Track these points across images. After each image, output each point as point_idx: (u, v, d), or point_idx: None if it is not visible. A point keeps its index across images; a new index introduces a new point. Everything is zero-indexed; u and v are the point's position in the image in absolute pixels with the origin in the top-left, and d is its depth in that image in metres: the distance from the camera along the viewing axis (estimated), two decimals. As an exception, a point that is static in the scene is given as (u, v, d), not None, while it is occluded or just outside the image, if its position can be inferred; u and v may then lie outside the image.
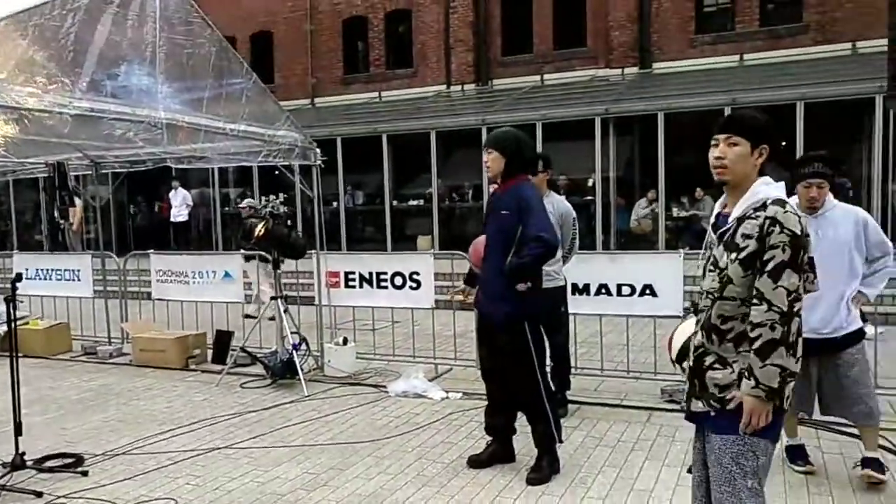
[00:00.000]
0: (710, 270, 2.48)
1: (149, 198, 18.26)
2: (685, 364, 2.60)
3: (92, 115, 5.22)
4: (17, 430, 4.35)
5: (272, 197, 6.78)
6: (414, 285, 6.68)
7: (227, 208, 16.70)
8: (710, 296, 2.46)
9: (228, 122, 6.20)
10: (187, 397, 6.16)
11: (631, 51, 15.78)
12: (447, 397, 5.75)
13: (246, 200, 11.83)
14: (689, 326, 2.64)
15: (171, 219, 15.81)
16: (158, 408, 5.86)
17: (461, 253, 6.80)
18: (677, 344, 2.68)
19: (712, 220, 2.57)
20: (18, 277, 4.59)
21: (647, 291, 5.77)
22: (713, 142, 2.47)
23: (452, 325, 6.69)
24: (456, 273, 7.13)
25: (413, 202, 15.58)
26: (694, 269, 5.20)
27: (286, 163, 7.17)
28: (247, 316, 8.09)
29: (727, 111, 11.36)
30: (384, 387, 6.07)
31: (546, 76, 16.25)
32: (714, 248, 2.48)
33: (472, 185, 15.04)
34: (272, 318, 6.98)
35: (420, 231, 14.98)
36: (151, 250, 8.17)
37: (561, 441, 4.24)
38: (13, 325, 4.43)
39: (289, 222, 6.65)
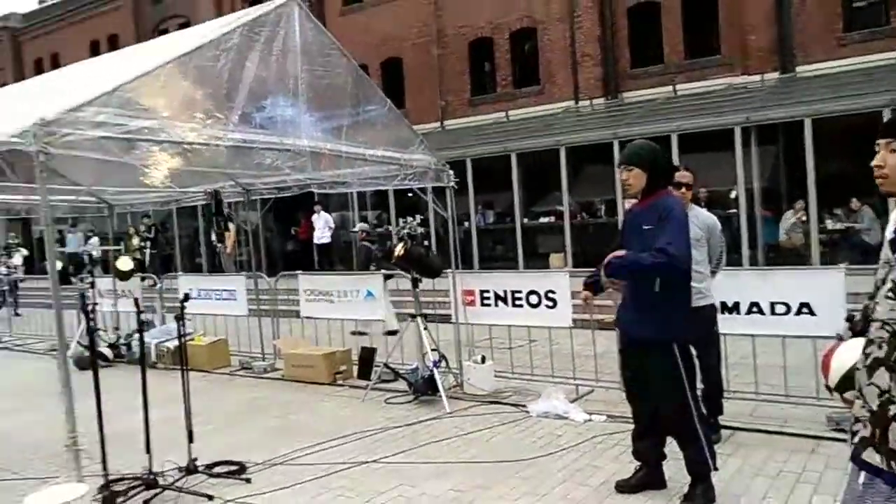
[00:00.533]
0: (890, 297, 2.07)
1: (291, 222, 19.36)
2: (850, 395, 2.19)
3: (244, 146, 5.61)
4: (190, 438, 4.72)
5: (409, 219, 7.01)
6: (550, 304, 6.63)
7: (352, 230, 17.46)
8: (887, 327, 2.05)
9: (367, 148, 6.47)
10: (336, 411, 6.43)
11: (770, 55, 14.96)
12: (590, 419, 5.64)
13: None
14: (853, 350, 2.21)
15: (315, 241, 16.65)
16: (310, 421, 6.16)
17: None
18: (839, 369, 2.26)
19: (889, 234, 2.17)
20: (186, 297, 5.00)
21: (804, 310, 5.39)
22: (875, 148, 2.18)
23: (592, 345, 6.57)
24: (595, 292, 7.02)
25: (544, 219, 15.52)
26: (855, 285, 4.80)
27: (421, 185, 7.38)
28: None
29: (886, 114, 10.50)
30: (524, 406, 6.06)
31: (678, 86, 15.73)
32: (894, 270, 2.08)
33: (605, 201, 14.78)
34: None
35: (552, 248, 14.88)
36: (300, 271, 8.65)
37: (716, 468, 4.03)
38: (182, 340, 4.81)
39: (425, 242, 6.82)
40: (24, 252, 18.38)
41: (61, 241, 21.37)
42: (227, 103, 5.15)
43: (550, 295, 6.60)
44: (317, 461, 5.02)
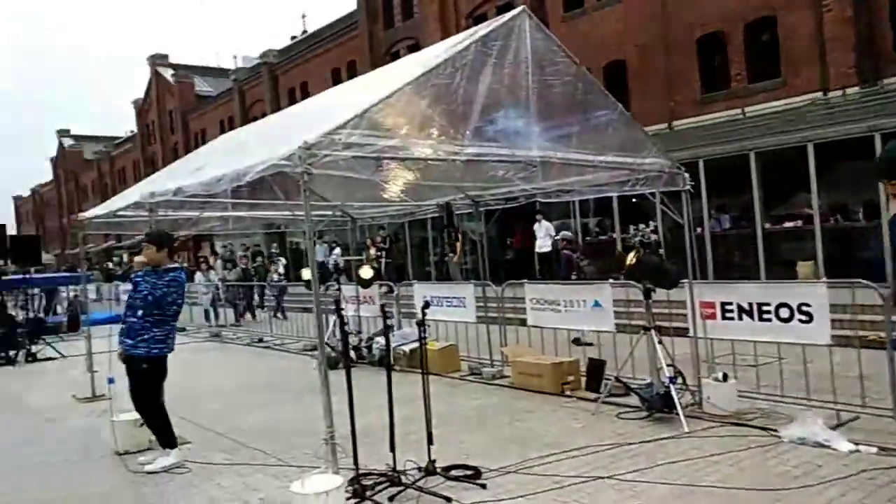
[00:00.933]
0: None
1: (508, 231, 19.68)
2: None
3: (477, 160, 5.76)
4: (430, 440, 4.93)
5: (641, 225, 6.73)
6: (804, 318, 5.96)
7: (587, 238, 17.20)
8: None
9: (597, 155, 6.33)
10: (566, 423, 6.36)
11: None
12: (857, 450, 4.98)
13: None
14: None
15: (536, 249, 16.75)
16: (540, 430, 6.15)
17: (864, 281, 5.92)
18: None
19: None
20: (427, 304, 5.24)
21: None
22: None
23: (857, 366, 5.81)
24: (858, 304, 6.21)
25: (789, 224, 14.15)
26: None
27: (652, 190, 7.07)
28: (581, 342, 8.38)
29: None
30: (775, 430, 5.51)
31: (958, 66, 13.52)
32: None
33: (864, 202, 13.10)
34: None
35: (799, 255, 13.50)
36: (525, 280, 8.73)
37: None
38: (423, 345, 5.04)
39: (660, 251, 6.51)
40: (284, 261, 20.73)
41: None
42: (461, 119, 5.34)
43: (805, 308, 5.94)
44: (550, 472, 4.99)
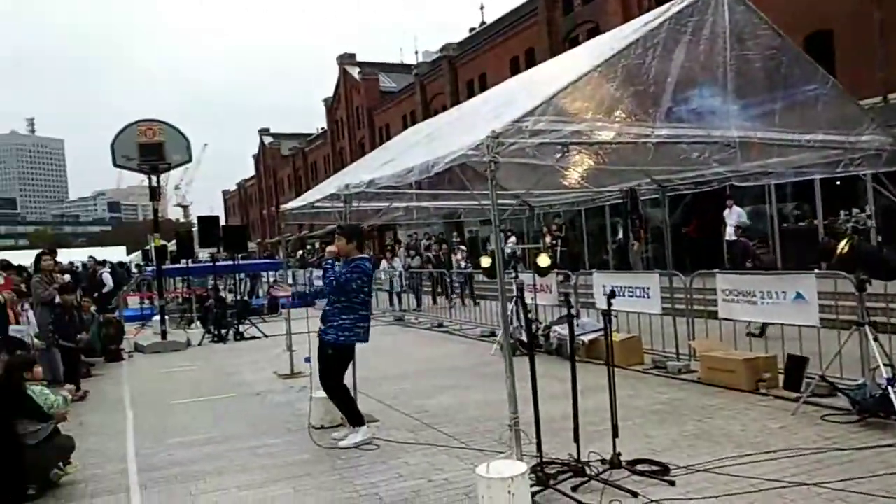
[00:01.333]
0: None
1: (690, 219, 18.62)
2: None
3: (669, 142, 5.49)
4: (615, 432, 4.81)
5: (855, 211, 6.07)
6: None
7: (784, 225, 15.87)
8: None
9: (803, 133, 5.79)
10: (761, 422, 5.93)
11: None
12: None
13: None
14: None
15: (726, 237, 15.74)
16: (732, 429, 5.79)
17: None
18: None
19: None
20: (613, 294, 5.11)
21: None
22: None
23: None
24: None
25: None
26: None
27: (871, 171, 6.35)
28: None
29: None
30: None
31: None
32: None
33: None
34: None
35: None
36: (717, 270, 8.23)
37: None
38: (608, 336, 4.91)
39: (879, 238, 5.84)
40: (465, 249, 21.26)
41: (485, 241, 24.11)
42: (652, 100, 5.11)
43: None
44: (744, 474, 4.67)
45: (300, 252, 39.10)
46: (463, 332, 13.65)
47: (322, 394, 6.75)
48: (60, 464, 5.52)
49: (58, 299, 9.42)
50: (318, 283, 19.91)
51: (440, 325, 14.81)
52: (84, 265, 20.33)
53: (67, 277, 13.67)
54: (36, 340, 7.76)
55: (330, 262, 6.36)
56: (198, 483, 5.42)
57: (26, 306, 8.29)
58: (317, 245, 50.07)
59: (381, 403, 7.61)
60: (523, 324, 10.18)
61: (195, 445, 6.50)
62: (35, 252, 11.45)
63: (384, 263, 20.54)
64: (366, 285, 6.24)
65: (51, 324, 9.04)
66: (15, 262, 9.77)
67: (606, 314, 4.85)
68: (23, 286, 8.75)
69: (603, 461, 4.88)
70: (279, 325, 14.46)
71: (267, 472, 5.61)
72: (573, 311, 5.10)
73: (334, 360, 6.22)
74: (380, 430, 6.56)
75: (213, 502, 4.98)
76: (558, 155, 5.07)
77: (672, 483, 4.58)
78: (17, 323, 7.00)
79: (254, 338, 14.65)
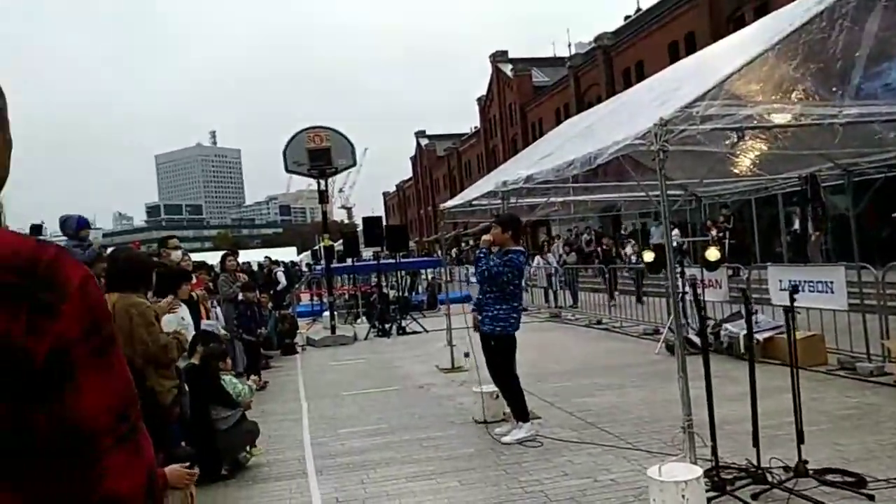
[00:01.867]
0: None
1: (887, 206, 16.79)
2: None
3: (861, 122, 4.98)
4: (800, 438, 4.44)
5: None
6: None
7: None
8: None
9: None
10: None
11: None
12: None
13: None
14: None
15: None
16: (941, 441, 5.16)
17: None
18: None
19: None
20: (795, 289, 4.71)
21: None
22: None
23: None
24: None
25: None
26: None
27: None
28: None
29: None
30: None
31: None
32: None
33: None
34: None
35: None
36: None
37: None
38: (792, 335, 4.55)
39: None
40: (633, 242, 20.58)
41: (646, 234, 23.26)
42: (838, 77, 4.68)
43: None
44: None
45: (454, 250, 39.86)
46: (623, 329, 13.25)
47: (485, 388, 6.83)
48: (248, 448, 6.00)
49: (241, 296, 10.24)
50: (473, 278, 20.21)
51: (599, 322, 14.48)
52: (260, 265, 22.01)
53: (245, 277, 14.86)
54: (223, 333, 8.49)
55: (483, 251, 6.42)
56: (368, 472, 5.67)
57: (214, 303, 9.09)
58: (471, 242, 50.98)
59: (543, 401, 7.55)
60: (694, 321, 9.74)
61: (365, 435, 6.81)
62: (217, 254, 12.57)
63: (538, 259, 20.41)
64: (516, 279, 6.26)
65: (235, 319, 9.84)
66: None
67: (789, 310, 4.48)
68: (210, 284, 9.61)
69: (786, 468, 4.52)
70: (438, 321, 14.83)
71: (433, 464, 5.76)
72: (739, 309, 4.77)
73: (498, 352, 6.27)
74: (542, 428, 6.51)
75: (384, 491, 5.18)
76: (731, 141, 4.75)
77: (871, 498, 4.16)
78: (208, 318, 7.70)
79: (415, 332, 15.11)
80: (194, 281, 6.89)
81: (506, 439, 6.15)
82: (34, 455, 1.01)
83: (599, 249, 19.74)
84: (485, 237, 6.47)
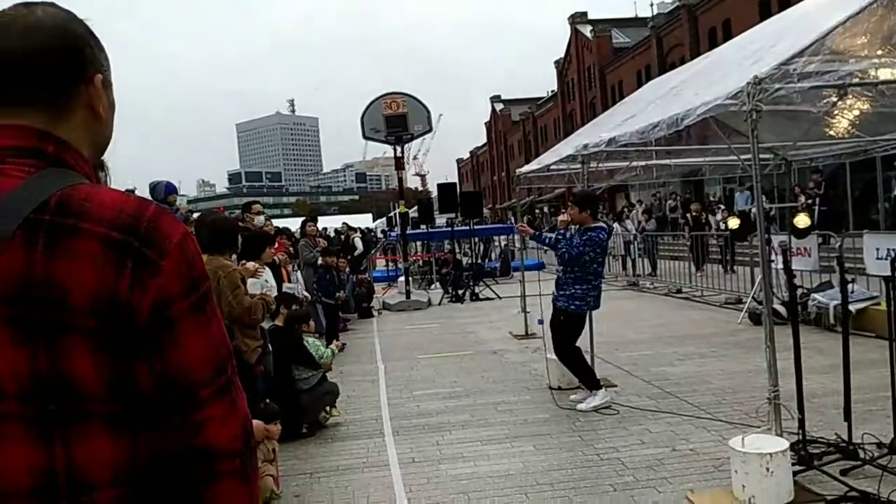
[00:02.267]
0: None
1: None
2: None
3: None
4: (897, 415, 4.22)
5: None
6: None
7: None
8: None
9: None
10: None
11: None
12: None
13: None
14: None
15: None
16: None
17: None
18: None
19: None
20: (899, 259, 4.42)
21: None
22: None
23: None
24: None
25: None
26: None
27: None
28: None
29: None
30: None
31: None
32: None
33: None
34: None
35: None
36: None
37: None
38: (893, 305, 4.29)
39: None
40: (724, 207, 19.76)
41: (730, 200, 22.42)
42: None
43: None
44: None
45: (526, 217, 39.51)
46: (704, 298, 12.89)
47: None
48: (327, 408, 6.18)
49: (320, 261, 10.47)
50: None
51: (679, 291, 14.13)
52: (337, 231, 22.43)
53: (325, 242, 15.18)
54: (304, 296, 8.73)
55: (561, 231, 6.38)
56: (443, 434, 5.76)
57: (294, 266, 9.34)
58: (545, 210, 50.33)
59: (620, 369, 7.46)
60: (781, 291, 9.37)
61: (439, 398, 6.90)
62: (296, 220, 12.86)
63: (616, 226, 19.99)
64: (599, 256, 6.16)
65: (314, 282, 10.09)
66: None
67: (890, 280, 4.22)
68: (291, 249, 9.86)
69: (880, 445, 4.31)
70: (511, 287, 14.81)
71: (507, 427, 5.79)
72: (828, 278, 4.52)
73: (566, 327, 6.23)
74: (619, 396, 6.45)
75: (459, 453, 5.26)
76: (832, 100, 4.46)
77: (972, 478, 3.93)
78: (289, 281, 7.92)
79: (488, 299, 15.15)
80: (276, 245, 7.08)
81: (581, 406, 6.12)
82: (138, 407, 1.05)
83: (689, 216, 18.84)
84: (561, 217, 6.41)
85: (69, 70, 1.11)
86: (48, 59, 1.08)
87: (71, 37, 1.12)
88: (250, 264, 5.11)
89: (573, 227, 6.25)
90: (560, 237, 6.32)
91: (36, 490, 0.99)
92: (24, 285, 0.99)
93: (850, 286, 8.64)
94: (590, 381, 6.25)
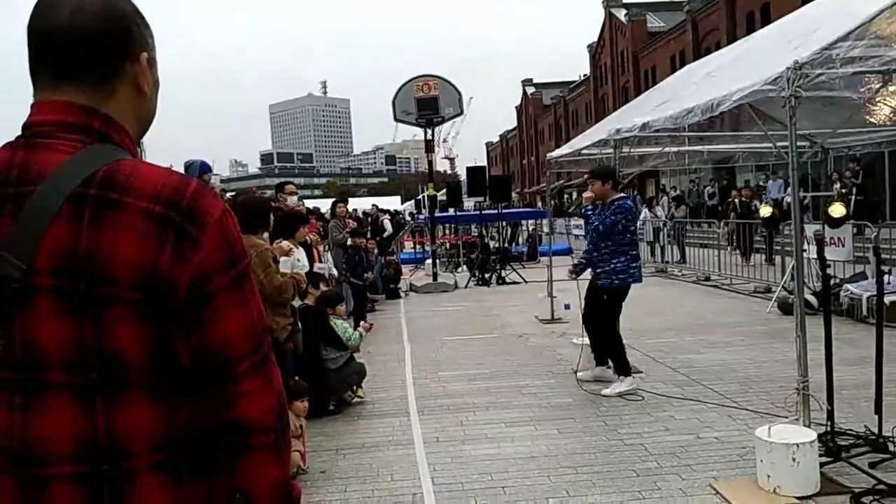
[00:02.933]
0: None
1: None
2: None
3: None
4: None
5: None
6: None
7: None
8: None
9: None
10: None
11: None
12: None
13: None
14: None
15: None
16: None
17: None
18: None
19: None
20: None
21: None
22: None
23: None
24: None
25: None
26: None
27: None
28: None
29: None
30: None
31: None
32: None
33: None
34: None
35: None
36: None
37: None
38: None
39: None
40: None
41: (761, 189, 22.02)
42: None
43: None
44: None
45: (553, 202, 39.32)
46: (733, 286, 12.74)
47: (585, 340, 6.79)
48: (354, 387, 6.26)
49: (350, 242, 10.55)
50: (578, 232, 19.87)
51: (707, 279, 13.97)
52: (366, 213, 22.57)
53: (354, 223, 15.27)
54: (334, 275, 8.82)
55: (588, 208, 6.36)
56: (467, 415, 5.80)
57: (325, 247, 9.42)
58: (574, 195, 49.94)
59: (646, 356, 7.43)
60: (812, 280, 9.23)
61: (464, 380, 6.95)
62: (327, 201, 12.93)
63: (645, 212, 19.78)
64: (631, 224, 6.14)
65: (343, 263, 10.18)
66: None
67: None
68: (321, 229, 9.95)
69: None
70: (537, 272, 14.77)
71: (532, 410, 5.82)
72: (883, 268, 4.43)
73: (609, 305, 6.21)
74: (644, 382, 6.42)
75: (483, 434, 5.30)
76: (875, 86, 4.36)
77: None
78: (320, 261, 8.00)
79: (514, 283, 15.13)
80: (309, 225, 7.15)
81: (605, 392, 6.12)
82: (177, 378, 1.09)
83: (736, 202, 17.77)
84: (586, 194, 6.39)
85: (116, 48, 1.14)
86: (96, 37, 1.11)
87: (119, 15, 1.14)
88: (284, 243, 5.17)
89: (598, 202, 6.24)
90: (589, 213, 6.32)
91: (78, 455, 1.03)
92: (70, 258, 1.02)
93: (890, 277, 8.50)
94: (623, 367, 6.23)
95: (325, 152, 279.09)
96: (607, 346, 6.38)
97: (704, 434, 4.99)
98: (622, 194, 6.29)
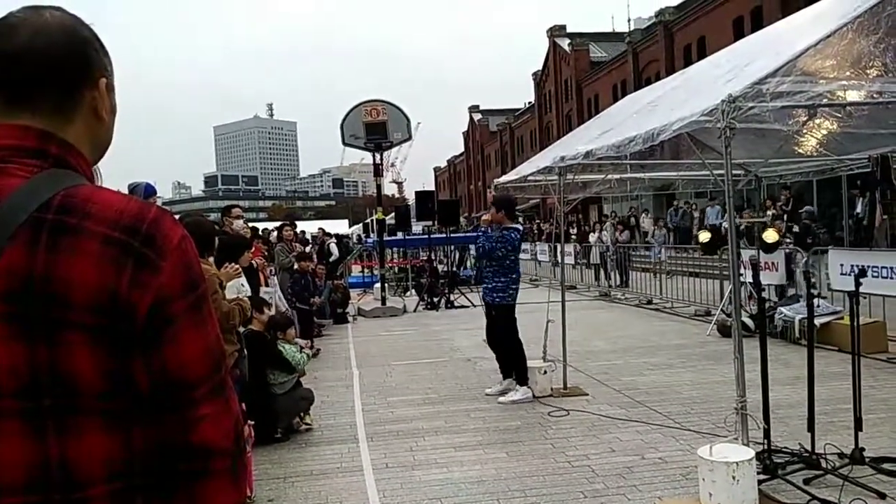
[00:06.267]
0: None
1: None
2: None
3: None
4: (858, 425, 4.36)
5: None
6: None
7: None
8: None
9: None
10: None
11: None
12: None
13: None
14: None
15: None
16: None
17: None
18: None
19: None
20: (862, 272, 4.59)
21: None
22: None
23: None
24: None
25: None
26: None
27: None
28: None
29: None
30: None
31: None
32: None
33: None
34: None
35: None
36: None
37: None
38: (855, 320, 4.44)
39: None
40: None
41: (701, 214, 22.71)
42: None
43: None
44: None
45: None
46: (674, 309, 13.09)
47: (532, 364, 6.93)
48: (302, 414, 6.17)
49: (296, 265, 10.46)
50: (525, 256, 20.08)
51: (649, 302, 14.33)
52: (312, 237, 22.37)
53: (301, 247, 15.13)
54: (282, 307, 8.71)
55: (482, 229, 7.19)
56: (417, 440, 5.79)
57: (271, 271, 9.31)
58: (520, 219, 50.66)
59: (592, 378, 7.56)
60: (749, 304, 9.56)
61: (413, 405, 6.93)
62: (271, 224, 12.81)
63: (592, 237, 20.22)
64: (511, 254, 6.88)
65: (290, 287, 10.07)
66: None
67: (854, 295, 4.37)
68: (266, 253, 9.84)
69: (841, 455, 4.45)
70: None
71: (481, 434, 5.85)
72: (794, 292, 4.66)
73: (499, 319, 6.89)
74: (590, 405, 6.54)
75: (432, 459, 5.29)
76: (802, 119, 4.60)
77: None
78: (266, 285, 7.90)
79: (463, 306, 15.20)
80: (253, 249, 7.07)
81: (502, 399, 6.76)
82: (134, 403, 1.08)
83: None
84: (484, 217, 7.19)
85: (75, 73, 1.14)
86: (54, 62, 1.11)
87: (77, 40, 1.14)
88: (231, 267, 5.10)
89: (494, 226, 6.93)
90: (480, 234, 7.18)
91: (30, 485, 1.00)
92: (25, 282, 1.01)
93: (815, 301, 8.88)
94: (523, 376, 6.83)
95: (271, 175, 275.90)
96: (511, 357, 6.93)
97: (649, 455, 5.10)
98: (515, 225, 7.02)
